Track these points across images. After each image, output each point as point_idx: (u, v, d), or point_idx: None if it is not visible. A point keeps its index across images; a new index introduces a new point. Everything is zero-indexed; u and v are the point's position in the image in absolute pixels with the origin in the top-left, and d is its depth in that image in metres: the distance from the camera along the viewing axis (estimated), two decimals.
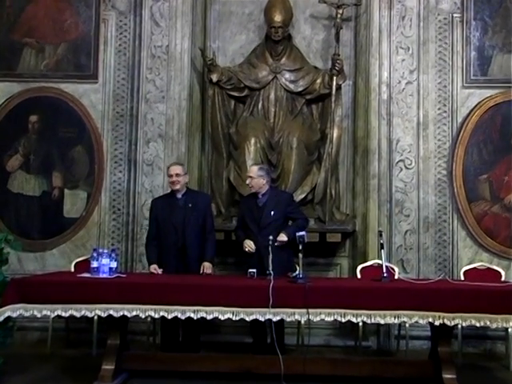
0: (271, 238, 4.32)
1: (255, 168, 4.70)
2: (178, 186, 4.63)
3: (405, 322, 4.09)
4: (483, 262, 5.15)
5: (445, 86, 5.44)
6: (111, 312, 3.93)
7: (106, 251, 4.25)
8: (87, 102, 5.58)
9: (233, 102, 5.70)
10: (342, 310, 3.89)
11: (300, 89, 5.60)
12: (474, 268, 5.03)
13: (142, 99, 5.48)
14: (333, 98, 5.41)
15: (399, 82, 5.43)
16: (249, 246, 4.55)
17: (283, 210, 4.66)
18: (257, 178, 4.65)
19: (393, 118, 5.40)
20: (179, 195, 4.67)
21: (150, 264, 4.65)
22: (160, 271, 4.56)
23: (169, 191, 4.81)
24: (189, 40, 5.53)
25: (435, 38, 5.45)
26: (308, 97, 5.64)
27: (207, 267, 4.59)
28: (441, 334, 4.11)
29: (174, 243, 4.58)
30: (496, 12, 5.46)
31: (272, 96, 5.57)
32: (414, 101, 5.40)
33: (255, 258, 4.53)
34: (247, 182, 4.69)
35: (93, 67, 5.57)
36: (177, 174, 4.61)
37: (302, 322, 4.19)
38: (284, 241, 4.46)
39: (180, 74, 5.50)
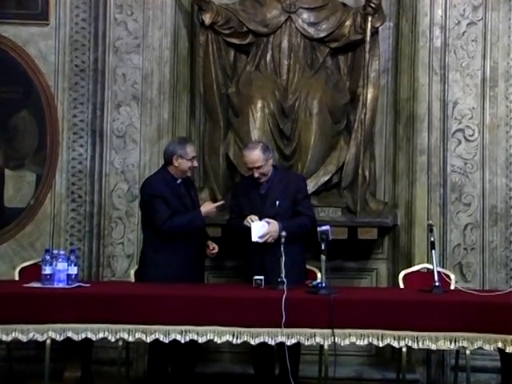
0: (284, 234, 4.33)
1: (257, 152, 4.65)
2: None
3: (464, 348, 4.10)
4: None
5: None
6: (70, 334, 3.95)
7: (62, 253, 4.28)
8: (35, 51, 5.55)
9: (232, 53, 5.69)
10: (379, 331, 3.92)
11: (323, 34, 5.57)
12: None
13: (109, 48, 5.45)
14: (367, 47, 5.37)
15: (458, 22, 5.38)
16: (250, 218, 4.57)
17: (292, 198, 4.68)
18: (267, 164, 4.66)
19: (449, 73, 5.37)
20: (179, 180, 4.78)
21: (199, 214, 4.70)
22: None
23: (157, 171, 4.94)
24: None
25: None
26: (333, 45, 5.62)
27: (215, 245, 4.81)
28: None
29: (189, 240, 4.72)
30: None
31: (285, 44, 5.55)
32: (479, 48, 5.36)
33: (257, 262, 4.53)
34: (256, 175, 4.67)
35: (41, 3, 5.53)
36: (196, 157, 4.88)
37: (326, 346, 4.18)
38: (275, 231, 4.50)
39: (161, 15, 5.47)
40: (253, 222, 4.57)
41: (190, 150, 4.76)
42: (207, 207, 4.74)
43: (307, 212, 4.75)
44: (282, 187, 4.69)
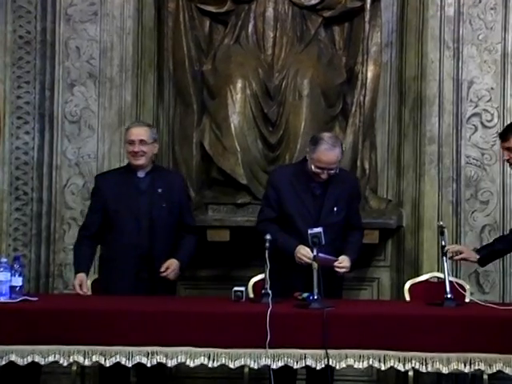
0: (268, 237, 4.31)
1: (338, 151, 4.51)
2: (141, 161, 4.70)
3: (482, 372, 4.09)
4: None
5: None
6: (13, 358, 3.93)
7: (4, 260, 4.27)
8: None
9: (207, 23, 5.72)
10: (381, 352, 3.91)
11: (314, 1, 5.58)
12: None
13: (60, 16, 5.45)
14: (367, 16, 5.41)
15: None
16: (305, 256, 4.40)
17: (347, 203, 4.63)
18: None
19: (463, 47, 5.40)
20: (141, 173, 4.74)
21: (76, 273, 4.72)
22: (87, 288, 4.59)
23: (123, 166, 4.91)
24: None
25: None
26: (327, 14, 5.64)
27: (174, 267, 4.65)
28: None
29: (134, 247, 4.66)
30: None
31: (270, 12, 5.57)
32: (498, 18, 5.38)
33: (302, 277, 4.41)
34: (324, 176, 4.51)
35: None
36: (141, 141, 4.67)
37: (319, 369, 4.19)
38: (347, 268, 4.52)
39: None
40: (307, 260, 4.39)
41: (130, 132, 4.72)
42: None
43: (359, 224, 4.81)
44: (339, 190, 4.60)
